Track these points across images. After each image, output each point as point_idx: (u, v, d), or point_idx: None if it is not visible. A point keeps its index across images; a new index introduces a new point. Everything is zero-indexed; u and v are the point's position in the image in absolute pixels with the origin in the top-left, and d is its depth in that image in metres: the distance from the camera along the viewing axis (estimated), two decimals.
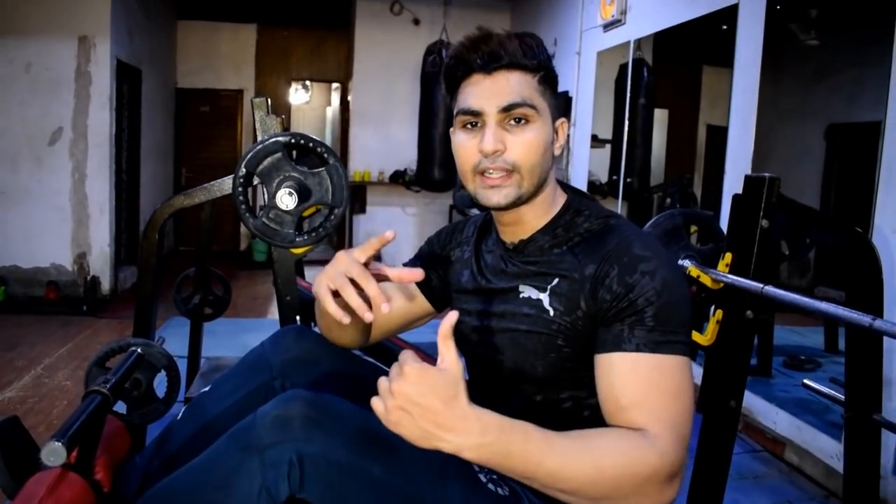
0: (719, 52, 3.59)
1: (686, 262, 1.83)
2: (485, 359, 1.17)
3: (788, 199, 1.73)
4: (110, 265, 5.60)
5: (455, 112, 1.10)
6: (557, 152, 1.13)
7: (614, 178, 4.96)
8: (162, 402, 1.43)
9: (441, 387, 0.83)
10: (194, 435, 1.14)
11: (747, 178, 1.68)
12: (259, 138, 1.82)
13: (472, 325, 1.19)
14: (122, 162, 5.97)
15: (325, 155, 1.74)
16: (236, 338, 4.25)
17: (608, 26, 4.86)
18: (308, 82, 9.67)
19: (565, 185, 1.21)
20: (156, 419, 1.41)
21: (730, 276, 1.64)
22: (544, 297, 1.08)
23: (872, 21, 2.55)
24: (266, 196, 1.74)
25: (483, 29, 1.08)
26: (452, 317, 0.87)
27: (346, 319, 0.99)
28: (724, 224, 2.10)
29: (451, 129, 1.14)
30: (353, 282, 1.00)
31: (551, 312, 1.07)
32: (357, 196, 7.28)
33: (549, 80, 1.09)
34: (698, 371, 2.64)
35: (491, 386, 1.19)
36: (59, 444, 0.89)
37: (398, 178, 7.27)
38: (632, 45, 4.61)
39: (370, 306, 0.98)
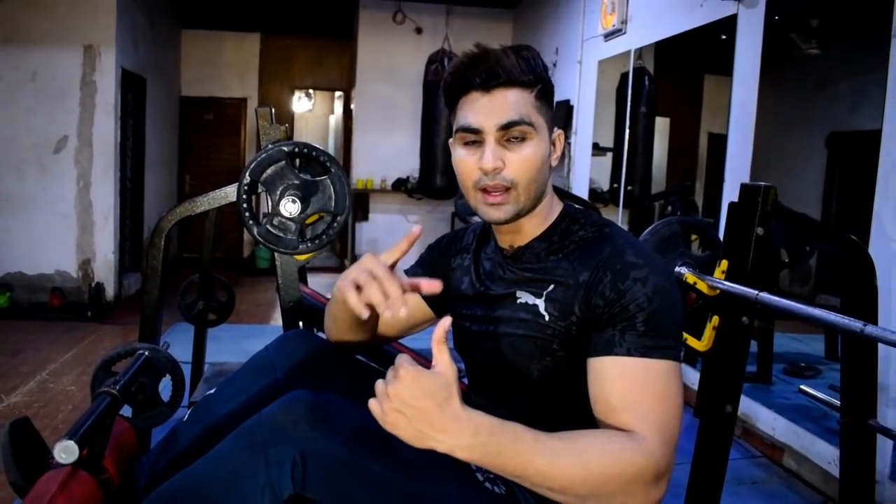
0: (720, 60, 3.62)
1: (683, 270, 1.86)
2: (483, 363, 1.21)
3: (784, 207, 1.76)
4: (114, 272, 5.64)
5: (455, 128, 1.13)
6: (555, 163, 1.16)
7: (615, 186, 4.98)
8: (167, 405, 1.46)
9: (434, 389, 0.87)
10: (200, 436, 1.17)
11: (743, 186, 1.70)
12: (263, 147, 1.85)
13: (471, 330, 1.23)
14: (126, 170, 6.02)
15: (328, 164, 1.77)
16: (239, 343, 4.28)
17: (609, 36, 4.89)
18: (311, 90, 9.73)
19: (562, 193, 1.25)
20: (160, 423, 1.44)
21: (725, 282, 1.66)
22: (540, 303, 1.11)
23: (873, 29, 2.57)
24: (270, 204, 1.77)
25: (481, 46, 1.10)
26: (446, 322, 0.91)
27: (365, 314, 1.02)
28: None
29: (451, 142, 1.17)
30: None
31: (546, 317, 1.10)
32: (359, 203, 7.32)
33: (545, 93, 1.12)
34: (695, 376, 2.67)
35: (489, 389, 1.22)
36: (72, 441, 0.92)
37: (400, 186, 7.31)
38: (632, 54, 4.64)
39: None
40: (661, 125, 5.18)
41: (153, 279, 1.97)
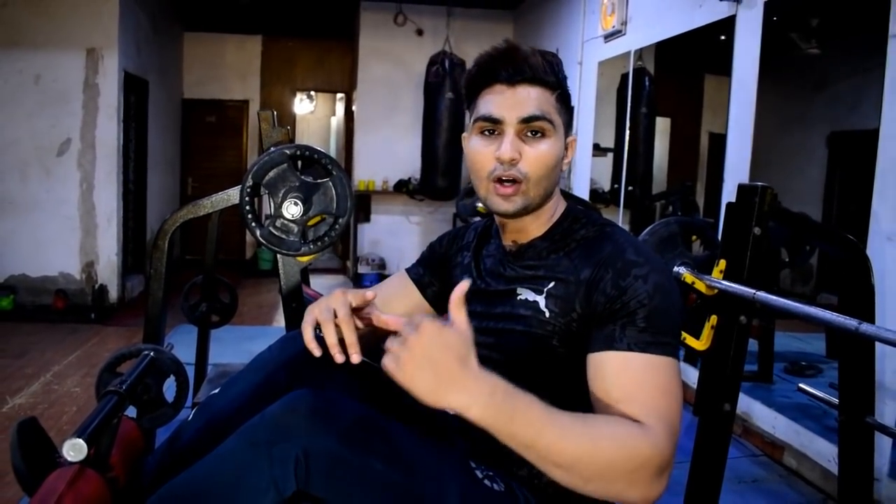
0: (720, 60, 3.63)
1: (682, 269, 1.88)
2: (483, 359, 1.21)
3: (782, 207, 1.77)
4: (118, 274, 5.66)
5: (473, 118, 1.15)
6: (565, 168, 1.18)
7: (616, 186, 5.00)
8: (171, 406, 1.47)
9: (456, 345, 0.88)
10: (204, 434, 1.19)
11: (740, 186, 1.72)
12: (265, 150, 1.87)
13: (471, 326, 1.24)
14: (129, 172, 6.04)
15: (330, 166, 1.79)
16: (242, 345, 4.30)
17: (609, 37, 4.91)
18: (313, 92, 9.76)
19: (565, 194, 1.27)
20: (164, 423, 1.45)
21: (723, 282, 1.68)
22: (540, 300, 1.13)
23: (872, 29, 2.59)
24: (272, 206, 1.79)
25: (510, 42, 1.13)
26: (464, 285, 0.93)
27: (317, 353, 1.09)
28: None
29: (465, 135, 1.19)
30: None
31: (547, 314, 1.12)
32: (361, 205, 7.34)
33: (564, 98, 1.14)
34: (696, 376, 2.69)
35: None
36: (81, 440, 0.94)
37: (402, 187, 7.33)
38: (632, 55, 4.66)
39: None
40: (662, 125, 5.20)
41: (157, 281, 1.99)
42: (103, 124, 5.50)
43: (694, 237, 2.65)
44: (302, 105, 9.62)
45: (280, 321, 5.47)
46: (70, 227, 5.54)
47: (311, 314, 1.12)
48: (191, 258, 7.32)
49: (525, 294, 1.15)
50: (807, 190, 5.31)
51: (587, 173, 5.35)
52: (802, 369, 3.81)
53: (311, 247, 1.80)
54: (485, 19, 7.25)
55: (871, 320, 1.77)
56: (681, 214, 4.60)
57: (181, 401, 1.48)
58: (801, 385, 2.14)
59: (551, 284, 1.13)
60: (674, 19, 4.05)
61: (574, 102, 4.65)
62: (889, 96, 2.53)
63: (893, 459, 2.49)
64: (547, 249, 1.18)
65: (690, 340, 1.81)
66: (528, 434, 0.89)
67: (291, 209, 1.74)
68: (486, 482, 1.08)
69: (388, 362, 0.90)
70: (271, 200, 1.80)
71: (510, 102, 1.10)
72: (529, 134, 1.11)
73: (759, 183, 1.70)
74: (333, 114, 10.34)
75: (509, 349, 1.15)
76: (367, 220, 7.52)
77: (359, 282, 7.38)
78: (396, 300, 1.42)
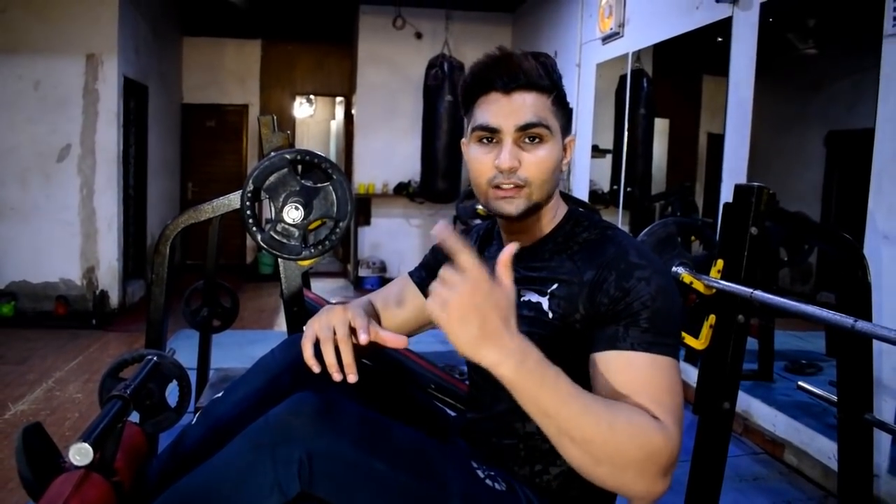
0: (718, 61, 3.65)
1: (680, 269, 1.89)
2: None
3: (778, 207, 1.79)
4: (118, 279, 5.68)
5: (471, 127, 1.16)
6: (565, 169, 1.19)
7: (615, 187, 5.01)
8: (174, 411, 1.48)
9: (503, 303, 0.88)
10: (208, 438, 1.20)
11: (737, 187, 1.74)
12: (265, 155, 1.89)
13: None
14: (129, 177, 6.05)
15: (330, 170, 1.80)
16: (244, 349, 4.31)
17: (607, 39, 4.93)
18: (312, 96, 9.77)
19: (566, 197, 1.28)
20: (167, 428, 1.46)
21: (721, 281, 1.70)
22: (544, 301, 1.14)
23: (869, 28, 2.60)
24: (273, 210, 1.80)
25: (503, 49, 1.13)
26: (512, 248, 0.93)
27: (315, 369, 1.11)
28: None
29: (464, 142, 1.20)
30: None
31: (550, 315, 1.12)
32: (361, 208, 7.36)
33: (560, 100, 1.14)
34: (696, 375, 2.70)
35: (491, 386, 1.24)
36: (87, 444, 0.95)
37: (402, 190, 7.34)
38: (630, 56, 4.68)
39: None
40: (661, 126, 5.21)
41: (159, 286, 2.01)
42: (103, 130, 5.51)
43: (693, 237, 2.66)
44: (301, 109, 9.64)
45: (281, 325, 5.49)
46: (70, 233, 5.55)
47: (311, 329, 1.14)
48: (191, 263, 7.33)
49: (528, 296, 1.16)
50: (805, 189, 5.31)
51: (586, 174, 5.36)
52: (803, 367, 3.82)
53: (312, 251, 1.81)
54: (483, 22, 7.27)
55: (868, 318, 1.79)
56: (680, 215, 4.61)
57: (184, 405, 1.49)
58: (801, 383, 2.15)
59: (554, 286, 1.14)
60: (671, 21, 4.07)
61: (573, 104, 4.68)
62: (884, 96, 2.54)
63: (893, 456, 2.51)
64: (550, 251, 1.19)
65: (689, 340, 1.82)
66: (553, 403, 0.90)
67: (292, 213, 1.76)
68: (488, 482, 1.09)
69: (433, 304, 0.88)
70: (272, 205, 1.81)
71: (506, 110, 1.11)
72: (527, 140, 1.11)
73: (756, 183, 1.71)
74: (333, 117, 10.36)
75: None
76: (368, 223, 7.54)
77: (360, 285, 7.39)
78: (399, 303, 1.43)
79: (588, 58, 5.32)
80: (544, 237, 1.20)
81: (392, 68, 7.30)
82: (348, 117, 8.13)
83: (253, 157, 8.00)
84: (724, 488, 1.76)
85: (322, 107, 10.44)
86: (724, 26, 3.51)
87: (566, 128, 1.17)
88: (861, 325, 1.36)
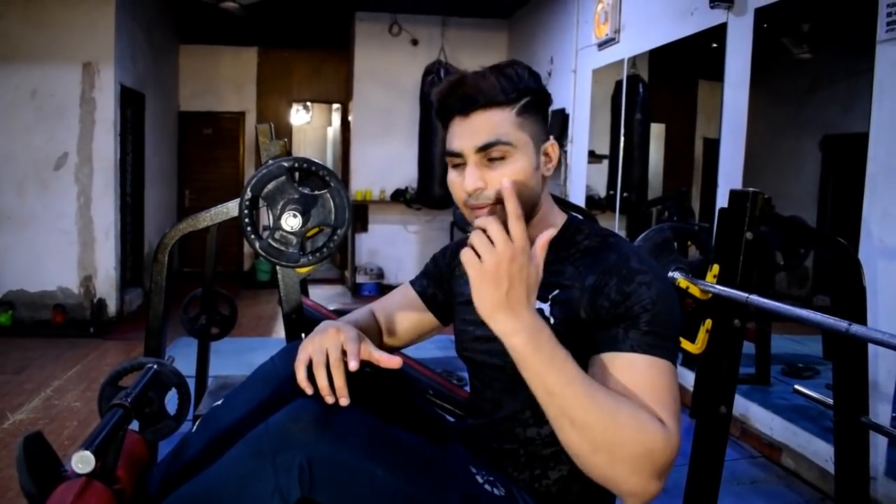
0: (714, 66, 3.67)
1: (676, 274, 1.90)
2: (485, 365, 1.24)
3: (773, 212, 1.80)
4: (116, 287, 5.68)
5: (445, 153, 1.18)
6: (548, 173, 1.18)
7: (612, 192, 5.03)
8: (173, 419, 1.49)
9: (533, 280, 0.93)
10: (209, 445, 1.21)
11: (732, 192, 1.75)
12: (263, 163, 1.89)
13: (474, 334, 1.27)
14: (126, 185, 6.06)
15: (328, 178, 1.81)
16: (242, 357, 4.31)
17: (602, 45, 4.95)
18: (309, 103, 9.79)
19: (564, 203, 1.29)
20: (167, 436, 1.46)
21: (717, 286, 1.71)
22: (545, 307, 1.15)
23: (863, 33, 2.62)
24: (271, 218, 1.81)
25: (460, 73, 1.14)
26: (551, 231, 0.97)
27: (308, 391, 1.11)
28: None
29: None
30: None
31: (552, 320, 1.14)
32: (359, 215, 7.37)
33: (531, 106, 1.13)
34: (692, 378, 2.70)
35: (491, 391, 1.25)
36: (89, 452, 0.96)
37: (399, 197, 7.36)
38: (625, 62, 4.70)
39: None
40: (657, 131, 5.23)
41: (157, 294, 2.01)
42: (100, 138, 5.52)
43: (689, 242, 2.67)
44: (298, 116, 9.66)
45: (279, 332, 5.49)
46: (68, 242, 5.55)
47: (305, 352, 1.14)
48: (189, 271, 7.32)
49: None
50: (801, 193, 5.33)
51: (583, 180, 5.38)
52: (799, 371, 3.83)
53: (310, 258, 1.82)
54: (479, 29, 7.30)
55: (863, 322, 1.79)
56: (676, 220, 4.62)
57: (183, 413, 1.49)
58: (797, 386, 2.16)
59: (556, 291, 1.15)
60: (666, 27, 4.09)
61: (569, 110, 4.70)
62: (877, 101, 2.56)
63: (889, 458, 2.52)
64: (550, 258, 1.19)
65: (686, 344, 1.83)
66: (559, 381, 0.93)
67: (290, 221, 1.76)
68: (487, 486, 1.10)
69: (469, 260, 0.92)
70: (270, 213, 1.82)
71: (467, 133, 1.11)
72: (492, 159, 1.10)
73: (751, 188, 1.72)
74: (330, 124, 10.38)
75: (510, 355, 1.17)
76: (365, 229, 7.55)
77: (357, 292, 7.40)
78: (401, 312, 1.45)
79: (584, 64, 5.34)
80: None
81: (388, 75, 7.33)
82: (345, 124, 8.15)
83: (250, 164, 8.01)
84: (721, 492, 1.77)
85: (319, 114, 10.46)
86: (719, 32, 3.53)
87: (542, 133, 1.16)
88: (855, 328, 1.37)
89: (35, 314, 5.49)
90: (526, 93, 1.12)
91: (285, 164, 1.78)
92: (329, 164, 9.56)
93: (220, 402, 1.32)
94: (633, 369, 1.02)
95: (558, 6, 5.87)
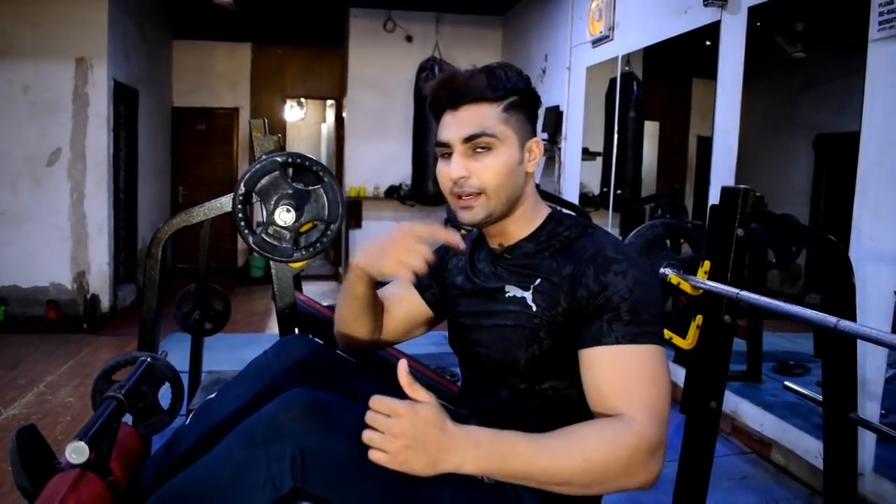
0: (707, 64, 3.68)
1: (667, 271, 1.91)
2: (475, 355, 1.27)
3: (764, 209, 1.81)
4: (109, 283, 5.67)
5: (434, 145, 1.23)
6: (531, 170, 1.24)
7: (605, 190, 5.04)
8: (166, 413, 1.49)
9: (432, 417, 0.97)
10: (202, 438, 1.22)
11: (723, 189, 1.76)
12: (257, 158, 1.90)
13: (465, 324, 1.30)
14: (119, 181, 6.05)
15: (321, 173, 1.82)
16: (235, 352, 4.30)
17: (597, 42, 4.96)
18: (303, 99, 9.77)
19: (551, 198, 1.32)
20: (160, 430, 1.47)
21: (707, 282, 1.72)
22: (528, 295, 1.19)
23: (856, 32, 2.64)
24: (264, 213, 1.81)
25: (450, 70, 1.21)
26: (403, 365, 1.00)
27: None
28: None
29: None
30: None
31: (534, 308, 1.17)
32: (352, 211, 7.36)
33: (518, 105, 1.20)
34: (682, 374, 2.71)
35: (480, 381, 1.29)
36: (83, 442, 0.96)
37: (393, 193, 7.36)
38: (620, 60, 4.71)
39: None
40: (651, 129, 5.24)
41: (151, 289, 2.02)
42: (93, 134, 5.51)
43: (681, 240, 2.68)
44: (292, 112, 9.64)
45: (273, 328, 5.49)
46: (61, 238, 5.53)
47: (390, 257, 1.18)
48: (182, 267, 7.31)
49: (513, 291, 1.21)
50: (794, 191, 5.35)
51: (577, 177, 5.39)
52: (790, 368, 3.85)
53: (304, 253, 1.83)
54: (474, 25, 7.30)
55: (853, 318, 1.81)
56: (669, 217, 4.64)
57: (177, 407, 1.50)
58: (788, 383, 2.18)
59: (537, 281, 1.19)
60: (660, 25, 4.11)
61: (563, 107, 4.70)
62: (869, 100, 2.58)
63: (877, 454, 2.54)
64: (533, 250, 1.24)
65: (677, 340, 1.84)
66: (523, 468, 0.98)
67: (284, 216, 1.77)
68: (478, 477, 1.12)
69: (377, 456, 0.96)
70: (263, 207, 1.82)
71: (454, 125, 1.18)
72: (476, 150, 1.17)
73: (742, 186, 1.73)
74: (324, 120, 10.36)
75: (500, 345, 1.20)
76: (359, 226, 7.55)
77: None
78: (397, 303, 1.47)
79: (578, 61, 5.35)
80: (527, 237, 1.25)
81: (383, 71, 7.32)
82: (339, 120, 8.14)
83: (243, 160, 7.99)
84: (711, 487, 1.78)
85: (313, 110, 10.44)
86: (713, 30, 3.54)
87: (527, 130, 1.22)
88: (844, 324, 1.38)
89: (28, 310, 5.48)
90: (513, 91, 1.18)
91: (279, 159, 1.79)
92: (323, 160, 9.55)
93: (213, 396, 1.33)
94: (617, 364, 1.06)
95: (553, 3, 5.87)
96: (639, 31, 4.39)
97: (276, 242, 1.82)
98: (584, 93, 5.30)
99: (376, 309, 1.37)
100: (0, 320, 5.30)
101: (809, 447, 2.78)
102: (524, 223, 1.25)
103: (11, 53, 5.37)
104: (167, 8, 7.35)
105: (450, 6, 7.01)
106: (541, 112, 5.89)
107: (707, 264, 1.77)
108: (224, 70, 8.04)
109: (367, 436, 0.97)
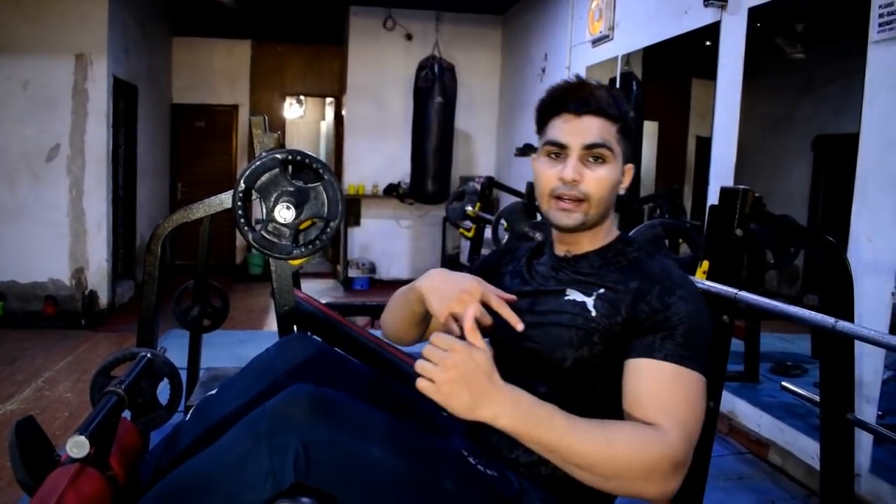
0: (707, 65, 3.68)
1: None
2: (517, 350, 1.27)
3: (763, 210, 1.82)
4: (108, 280, 5.66)
5: (542, 142, 1.26)
6: (622, 192, 1.29)
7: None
8: (165, 409, 1.50)
9: (485, 364, 0.99)
10: (202, 434, 1.22)
11: (722, 189, 1.77)
12: (257, 155, 1.90)
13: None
14: (118, 178, 6.04)
15: (321, 171, 1.82)
16: (234, 349, 4.31)
17: (597, 42, 4.96)
18: (302, 97, 9.76)
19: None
20: (158, 426, 1.47)
21: (706, 282, 1.72)
22: (589, 301, 1.22)
23: (856, 33, 2.64)
24: (264, 210, 1.82)
25: (580, 78, 1.25)
26: (471, 312, 1.05)
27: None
28: None
29: (533, 157, 1.30)
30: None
31: (593, 313, 1.20)
32: (351, 209, 7.37)
33: (625, 130, 1.25)
34: None
35: (518, 374, 1.27)
36: (83, 437, 0.96)
37: (392, 191, 7.36)
38: (619, 60, 4.72)
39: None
40: (650, 129, 5.25)
41: (150, 285, 2.02)
42: (92, 130, 5.50)
43: (680, 240, 2.69)
44: (291, 109, 9.63)
45: (271, 325, 5.48)
46: (59, 234, 5.52)
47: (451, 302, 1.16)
48: (181, 264, 7.31)
49: (574, 295, 1.24)
50: (793, 193, 5.36)
51: None
52: (788, 369, 3.86)
53: (303, 250, 1.83)
54: (473, 24, 7.30)
55: (850, 319, 1.81)
56: (668, 217, 4.64)
57: (175, 403, 1.50)
58: (785, 383, 2.19)
59: (601, 290, 1.22)
60: (660, 25, 4.11)
61: None
62: (868, 102, 2.58)
63: (874, 455, 2.55)
64: (599, 263, 1.27)
65: None
66: (552, 439, 0.99)
67: (283, 213, 1.77)
68: (480, 468, 1.14)
69: (424, 385, 0.99)
70: (263, 204, 1.82)
71: (576, 130, 1.21)
72: (591, 159, 1.21)
73: (741, 186, 1.74)
74: (323, 118, 10.35)
75: (550, 342, 1.21)
76: (358, 224, 7.55)
77: (349, 286, 7.40)
78: None
79: (578, 60, 5.36)
80: (596, 250, 1.29)
81: (382, 69, 7.32)
82: (338, 118, 8.14)
83: (243, 157, 7.99)
84: (708, 487, 1.78)
85: (312, 108, 10.43)
86: (713, 30, 3.55)
87: (627, 156, 1.26)
88: (842, 325, 1.39)
89: (26, 306, 5.47)
90: (625, 116, 1.23)
91: (279, 156, 1.79)
92: (322, 158, 9.55)
93: (213, 393, 1.33)
94: (660, 378, 1.08)
95: (553, 3, 5.87)
96: (639, 32, 4.40)
97: (275, 239, 1.82)
98: None
99: (427, 321, 1.38)
100: None
101: (806, 448, 2.79)
102: (598, 238, 1.29)
103: (10, 49, 5.36)
104: (167, 4, 7.35)
105: (450, 5, 7.01)
106: None
107: (705, 264, 1.78)
108: (224, 67, 8.02)
109: (419, 365, 0.99)
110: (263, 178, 1.81)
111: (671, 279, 1.17)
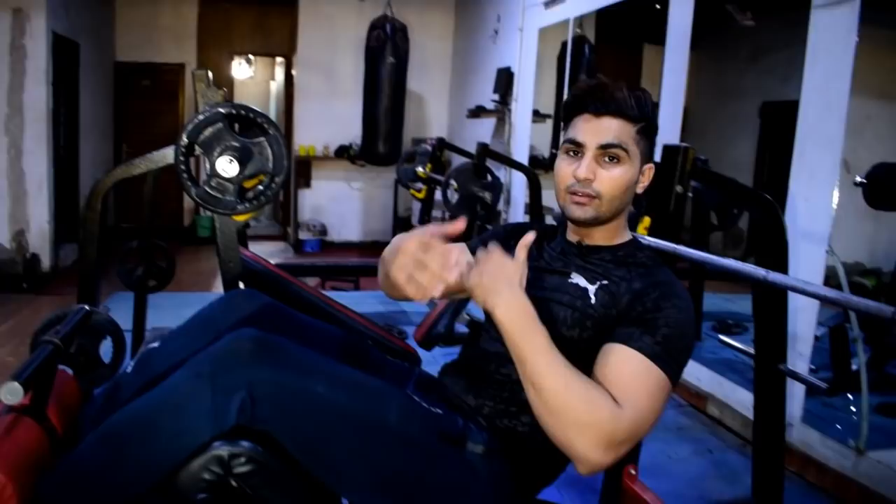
0: (659, 31, 3.71)
1: None
2: None
3: (703, 168, 1.86)
4: (50, 242, 5.52)
5: (563, 139, 1.30)
6: (640, 191, 1.32)
7: (555, 151, 5.08)
8: (108, 367, 1.48)
9: (509, 270, 1.11)
10: (144, 385, 1.21)
11: (665, 147, 1.80)
12: (200, 110, 1.87)
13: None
14: (59, 138, 5.85)
15: (265, 125, 1.80)
16: (180, 311, 4.18)
17: (549, 3, 4.95)
18: (252, 57, 9.56)
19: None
20: (101, 383, 1.46)
21: (647, 237, 1.76)
22: (591, 288, 1.26)
23: (805, 2, 2.68)
24: (207, 166, 1.79)
25: (601, 79, 1.28)
26: (530, 236, 1.16)
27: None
28: None
29: (558, 151, 1.33)
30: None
31: (593, 300, 1.25)
32: (302, 170, 7.28)
33: (647, 131, 1.28)
34: None
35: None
36: (17, 383, 0.95)
37: (343, 153, 7.29)
38: (571, 22, 4.72)
39: None
40: None
41: (90, 242, 1.98)
42: (31, 88, 5.32)
43: None
44: (240, 69, 9.43)
45: (219, 287, 5.40)
46: None
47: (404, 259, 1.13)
48: (126, 226, 7.14)
49: (577, 280, 1.28)
50: (740, 158, 5.49)
51: (527, 139, 5.42)
52: (729, 327, 3.98)
53: (247, 205, 1.81)
54: None
55: (785, 272, 1.88)
56: None
57: (118, 361, 1.49)
58: (723, 337, 2.26)
59: (605, 281, 1.26)
60: None
61: (514, 69, 4.70)
62: (810, 65, 2.65)
63: (806, 407, 2.66)
64: (609, 259, 1.31)
65: None
66: (527, 350, 1.07)
67: (227, 167, 1.75)
68: (424, 404, 1.17)
69: (473, 274, 1.10)
70: (207, 160, 1.80)
71: (593, 130, 1.25)
72: (606, 159, 1.24)
73: (683, 143, 1.78)
74: (273, 78, 10.16)
75: (545, 316, 1.20)
76: (308, 186, 7.48)
77: (300, 248, 7.35)
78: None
79: (530, 22, 5.34)
80: (609, 247, 1.32)
81: (333, 29, 7.21)
82: (289, 79, 8.00)
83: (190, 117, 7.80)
84: (648, 438, 1.83)
85: (262, 68, 10.22)
86: None
87: (647, 156, 1.30)
88: (773, 276, 1.44)
89: None
90: (647, 118, 1.26)
91: (222, 110, 1.77)
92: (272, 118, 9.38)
93: (156, 345, 1.32)
94: (629, 364, 1.11)
95: None
96: None
97: (219, 195, 1.79)
98: (536, 55, 5.30)
99: None
100: None
101: (743, 400, 2.90)
102: (610, 235, 1.33)
103: None
104: None
105: None
106: (493, 73, 5.84)
107: (647, 220, 1.82)
108: (170, 25, 7.77)
109: (477, 263, 1.12)
110: (206, 133, 1.78)
111: (672, 289, 1.21)
